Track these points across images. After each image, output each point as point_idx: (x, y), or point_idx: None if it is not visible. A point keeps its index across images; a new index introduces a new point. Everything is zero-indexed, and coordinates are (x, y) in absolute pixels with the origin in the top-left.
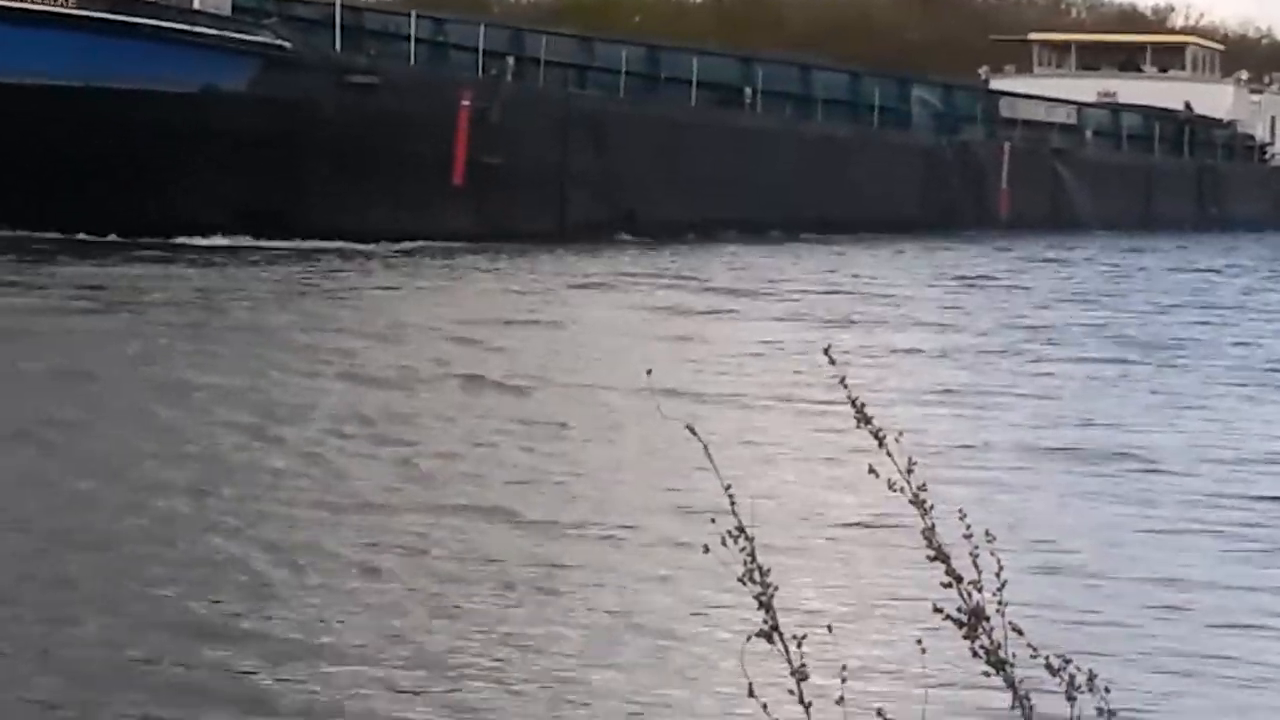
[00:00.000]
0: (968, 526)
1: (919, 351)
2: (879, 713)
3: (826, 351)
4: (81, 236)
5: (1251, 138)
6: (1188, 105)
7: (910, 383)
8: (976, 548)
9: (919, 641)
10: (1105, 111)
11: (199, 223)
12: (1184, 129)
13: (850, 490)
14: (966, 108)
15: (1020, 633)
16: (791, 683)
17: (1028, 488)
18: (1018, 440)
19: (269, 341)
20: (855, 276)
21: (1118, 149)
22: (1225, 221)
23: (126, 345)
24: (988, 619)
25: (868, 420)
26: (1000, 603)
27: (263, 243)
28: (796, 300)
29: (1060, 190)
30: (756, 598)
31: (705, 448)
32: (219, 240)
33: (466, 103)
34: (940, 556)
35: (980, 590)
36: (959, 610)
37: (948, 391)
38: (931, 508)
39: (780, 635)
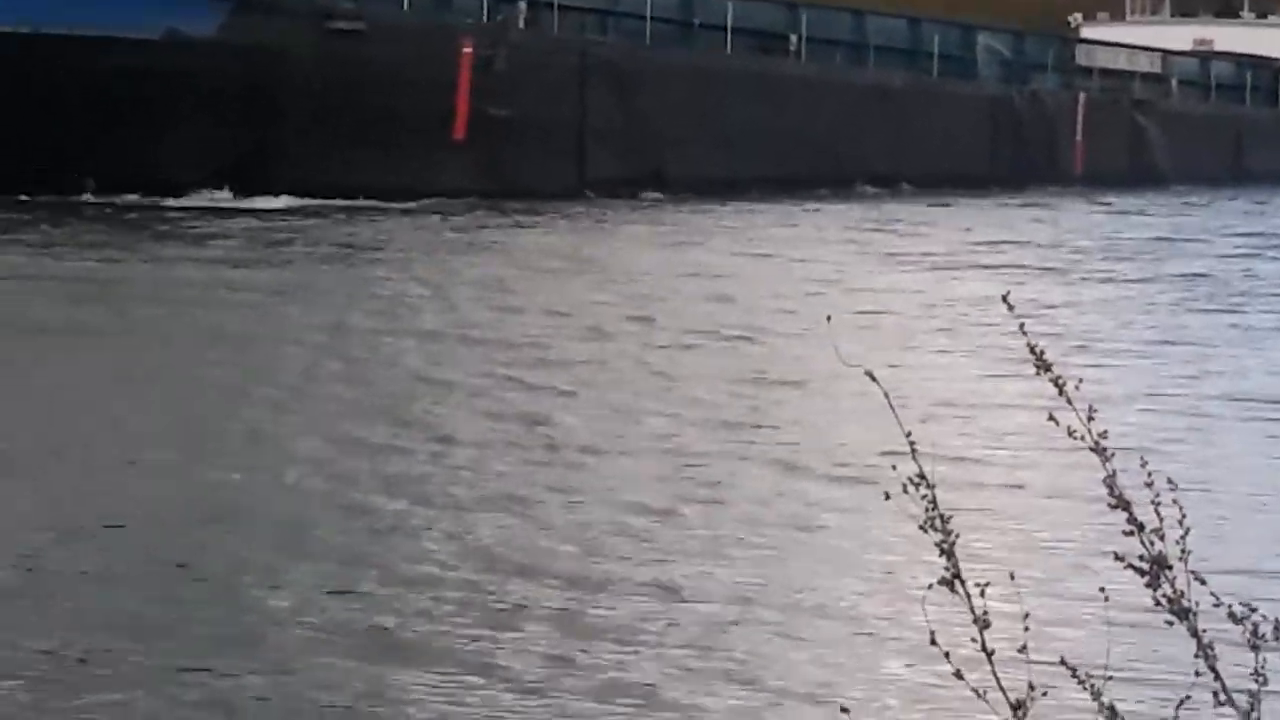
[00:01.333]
0: (1149, 475)
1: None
2: (1061, 660)
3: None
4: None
5: None
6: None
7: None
8: (1158, 496)
9: (1102, 590)
10: (1194, 60)
11: (175, 181)
12: (1277, 78)
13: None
14: (1038, 55)
15: (1203, 582)
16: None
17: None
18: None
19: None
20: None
21: (1206, 99)
22: None
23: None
24: (1169, 567)
25: (1048, 368)
26: (1183, 551)
27: (242, 203)
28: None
29: (1141, 143)
30: (938, 545)
31: (887, 395)
32: (196, 200)
33: (468, 51)
34: (1122, 504)
35: (1162, 539)
36: (1141, 559)
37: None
38: (1112, 455)
39: (963, 583)
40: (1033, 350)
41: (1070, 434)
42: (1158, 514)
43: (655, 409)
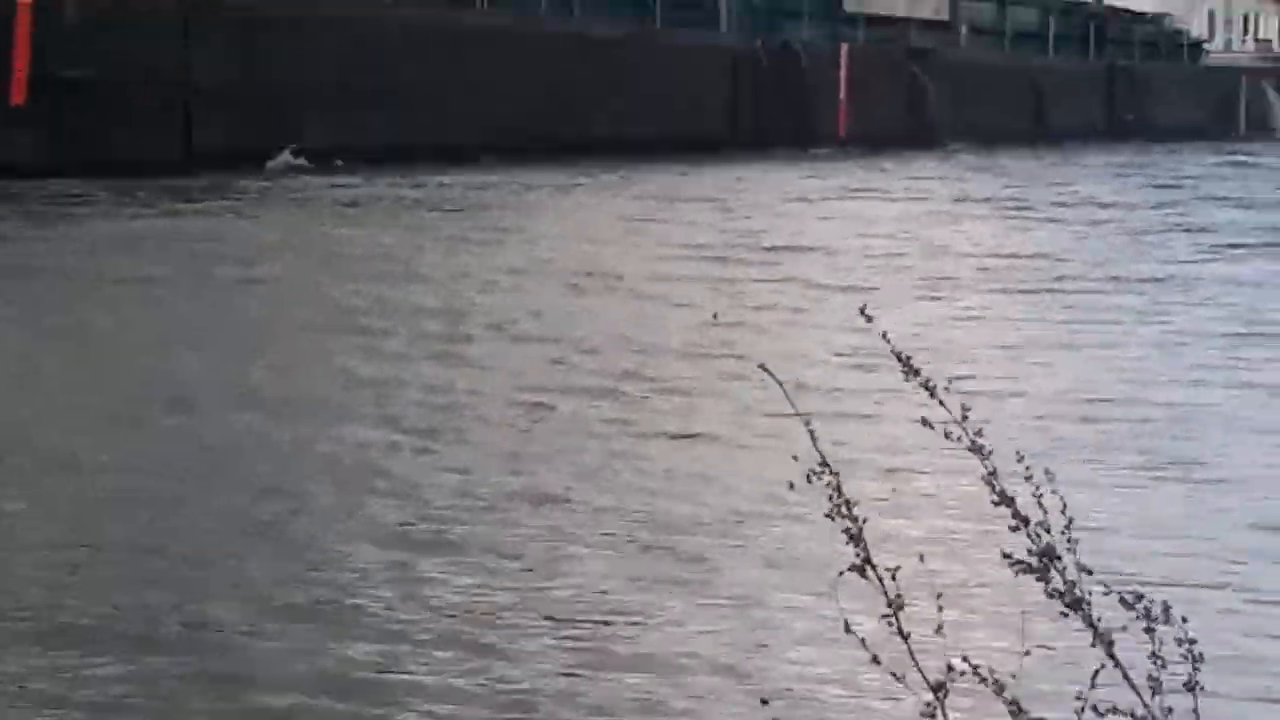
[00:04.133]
0: (1028, 469)
1: None
2: (964, 659)
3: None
4: None
5: (1184, 34)
6: None
7: None
8: (1038, 489)
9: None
10: (989, 4)
11: None
12: (1090, 24)
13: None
14: (793, 2)
15: (1089, 572)
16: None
17: None
18: None
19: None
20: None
21: (1001, 49)
22: (1146, 131)
23: None
24: (1059, 558)
25: (916, 372)
26: (1070, 540)
27: None
28: None
29: (920, 101)
30: (845, 532)
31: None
32: None
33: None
34: (1005, 500)
35: (1049, 531)
36: (1029, 553)
37: None
38: (991, 453)
39: (874, 568)
40: (900, 358)
41: (947, 436)
42: (1041, 507)
43: None
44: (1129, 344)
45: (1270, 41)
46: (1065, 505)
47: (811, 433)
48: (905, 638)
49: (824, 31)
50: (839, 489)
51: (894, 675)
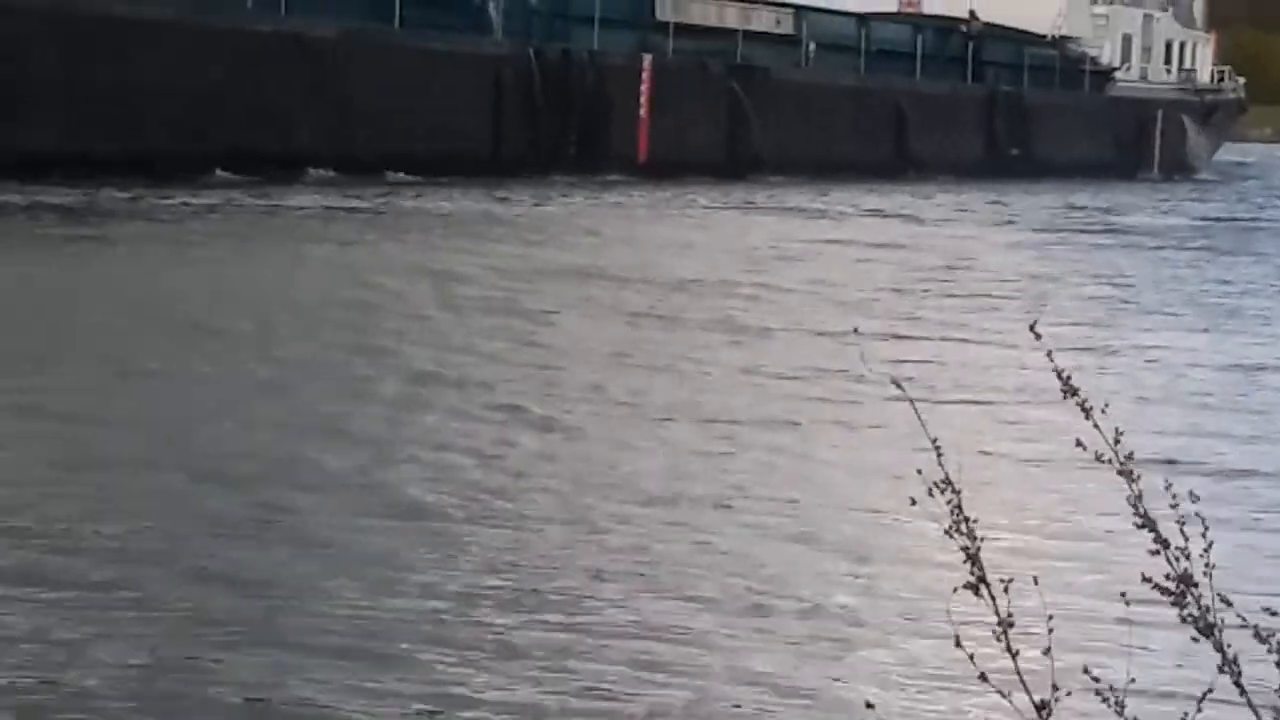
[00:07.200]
0: (1174, 495)
1: None
2: (1085, 670)
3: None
4: None
5: (1089, 59)
6: (972, 14)
7: None
8: (1182, 516)
9: (1123, 594)
10: (845, 19)
11: None
12: (968, 44)
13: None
14: (585, 5)
15: (1229, 603)
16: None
17: None
18: None
19: None
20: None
21: (857, 69)
22: (1033, 166)
23: None
24: (1195, 585)
25: (1075, 392)
26: (1208, 565)
27: None
28: None
29: (740, 123)
30: (963, 549)
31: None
32: None
33: None
34: (1147, 523)
35: (1188, 557)
36: (1166, 577)
37: None
38: (1138, 477)
39: (988, 587)
40: (1059, 375)
41: (1098, 457)
42: (1182, 533)
43: None
44: None
45: (1193, 72)
46: (1206, 530)
47: (938, 449)
48: (1014, 655)
49: (631, 40)
50: (959, 507)
51: (1000, 694)
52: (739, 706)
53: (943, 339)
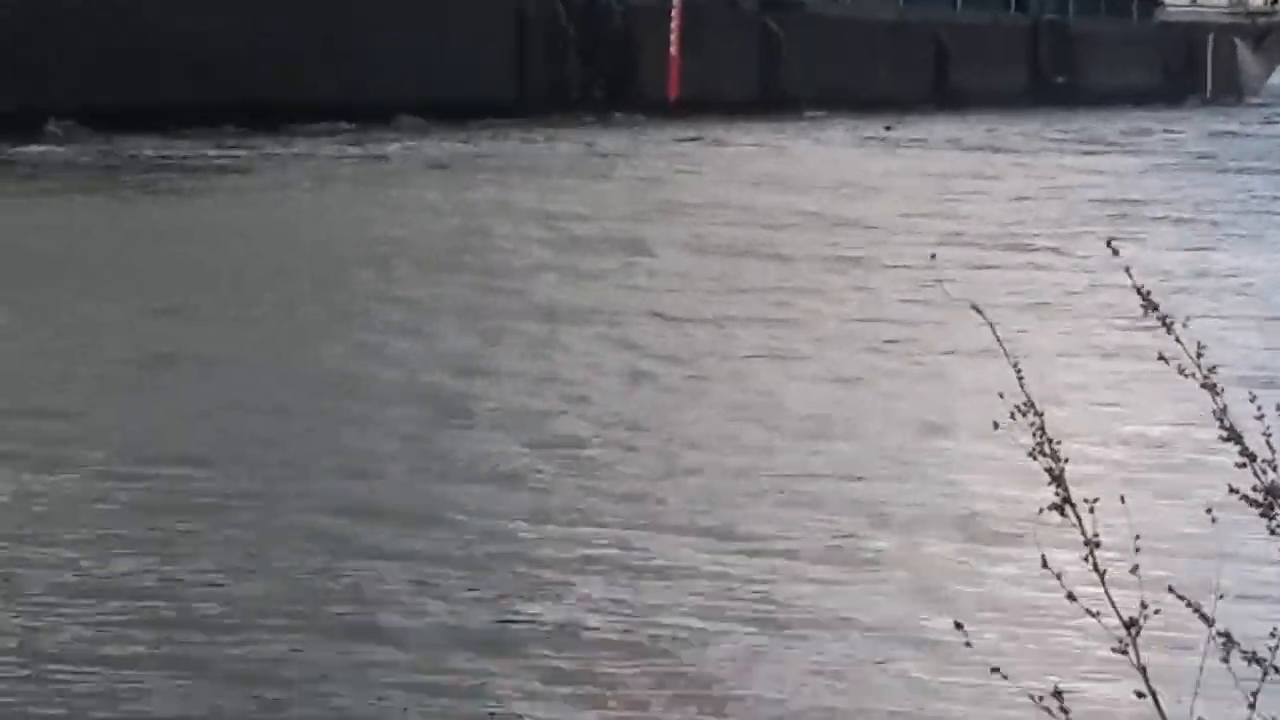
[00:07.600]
0: (1259, 408)
1: None
2: (1170, 589)
3: (1110, 243)
4: None
5: None
6: None
7: None
8: (1268, 429)
9: (1208, 510)
10: None
11: None
12: None
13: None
14: None
15: None
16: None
17: None
18: None
19: None
20: None
21: (895, 1)
22: (1079, 96)
23: None
24: None
25: (1155, 307)
26: None
27: None
28: None
29: (773, 59)
30: (1048, 470)
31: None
32: None
33: None
34: (1233, 436)
35: (1275, 469)
36: (1254, 489)
37: None
38: (1222, 390)
39: (1073, 507)
40: (1140, 292)
41: (1181, 372)
42: (1269, 445)
43: None
44: None
45: None
46: None
47: (1019, 372)
48: (1102, 575)
49: None
50: (1042, 429)
51: (1089, 612)
52: None
53: None
